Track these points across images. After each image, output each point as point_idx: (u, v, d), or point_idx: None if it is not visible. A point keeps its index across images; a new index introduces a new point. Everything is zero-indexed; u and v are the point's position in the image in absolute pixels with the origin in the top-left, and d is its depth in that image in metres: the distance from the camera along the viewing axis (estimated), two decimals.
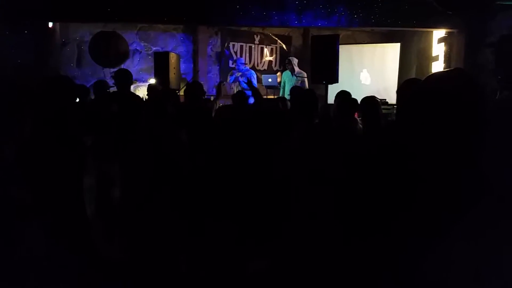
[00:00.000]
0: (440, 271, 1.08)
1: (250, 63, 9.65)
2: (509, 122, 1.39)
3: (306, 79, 7.67)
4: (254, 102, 3.89)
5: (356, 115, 3.81)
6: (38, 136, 2.46)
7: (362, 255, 1.51)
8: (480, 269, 1.03)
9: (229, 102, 6.14)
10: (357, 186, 1.69)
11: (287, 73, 7.91)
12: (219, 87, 5.45)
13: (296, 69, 7.74)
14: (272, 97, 7.52)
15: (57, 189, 2.37)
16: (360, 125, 3.68)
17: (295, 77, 7.65)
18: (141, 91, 7.91)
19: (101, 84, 5.22)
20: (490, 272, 1.03)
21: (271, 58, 9.94)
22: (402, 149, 1.26)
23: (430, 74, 1.18)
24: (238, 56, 9.31)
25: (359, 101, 3.64)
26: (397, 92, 2.46)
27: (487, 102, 1.04)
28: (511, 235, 1.02)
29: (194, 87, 4.50)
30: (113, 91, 4.50)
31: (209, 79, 9.25)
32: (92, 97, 5.01)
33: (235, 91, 7.36)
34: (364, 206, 1.58)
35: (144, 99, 4.09)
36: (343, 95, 3.93)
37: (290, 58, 8.00)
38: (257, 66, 9.74)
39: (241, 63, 8.01)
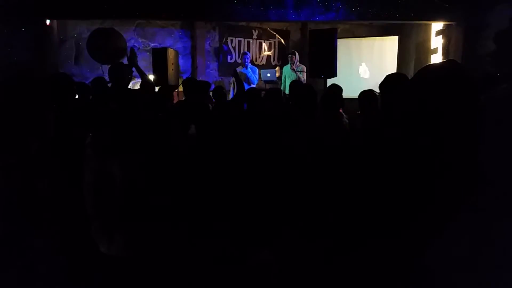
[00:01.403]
0: (439, 265, 1.08)
1: None
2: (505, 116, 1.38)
3: (304, 74, 7.70)
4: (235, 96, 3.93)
5: (341, 110, 3.81)
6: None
7: (359, 253, 1.52)
8: (481, 262, 1.03)
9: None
10: (351, 181, 1.70)
11: (287, 67, 7.93)
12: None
13: (297, 63, 7.78)
14: None
15: (58, 185, 2.39)
16: (346, 120, 3.67)
17: (295, 71, 7.69)
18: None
19: (100, 81, 5.21)
20: (491, 266, 1.03)
21: (269, 53, 9.92)
22: (399, 142, 1.27)
23: (424, 66, 1.19)
24: (237, 51, 9.31)
25: (357, 95, 3.64)
26: (380, 86, 2.44)
27: (479, 92, 1.05)
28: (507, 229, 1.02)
29: (193, 83, 4.50)
30: (111, 88, 4.48)
31: (208, 75, 9.24)
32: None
33: (234, 87, 7.41)
34: (362, 201, 1.58)
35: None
36: (329, 89, 3.96)
37: (294, 51, 8.03)
38: (256, 61, 9.72)
39: (248, 58, 8.04)
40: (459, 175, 1.08)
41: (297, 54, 7.84)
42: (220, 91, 5.26)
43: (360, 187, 1.71)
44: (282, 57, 9.76)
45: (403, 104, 1.17)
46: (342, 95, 3.64)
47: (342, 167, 2.03)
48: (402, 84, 2.15)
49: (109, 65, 4.76)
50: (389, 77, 2.33)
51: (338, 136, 2.88)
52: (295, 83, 5.55)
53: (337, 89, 3.80)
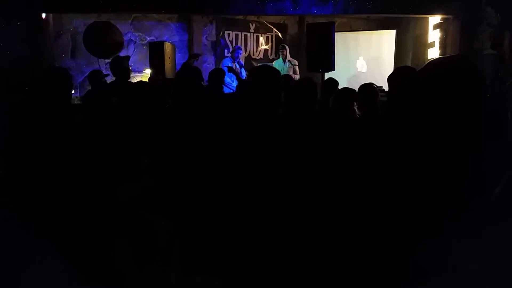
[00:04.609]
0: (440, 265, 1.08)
1: (246, 52, 9.61)
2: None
3: (297, 67, 7.71)
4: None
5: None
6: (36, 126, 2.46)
7: (360, 248, 1.52)
8: (481, 264, 1.03)
9: None
10: (357, 178, 1.69)
11: (278, 61, 7.95)
12: None
13: (288, 57, 7.81)
14: None
15: (56, 181, 2.38)
16: (358, 116, 3.67)
17: (286, 65, 7.69)
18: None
19: (96, 75, 5.20)
20: (492, 269, 1.03)
21: (266, 47, 9.88)
22: (402, 137, 1.26)
23: (431, 60, 1.18)
24: (234, 45, 9.27)
25: (354, 89, 3.64)
26: (388, 79, 2.43)
27: (487, 88, 1.04)
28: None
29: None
30: (111, 82, 4.47)
31: (205, 69, 9.21)
32: (88, 87, 5.02)
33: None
34: (365, 199, 1.58)
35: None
36: (333, 82, 3.98)
37: (285, 45, 8.05)
38: (253, 55, 9.68)
39: (240, 53, 8.05)
40: (459, 175, 1.07)
41: (287, 47, 7.87)
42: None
43: (357, 182, 1.71)
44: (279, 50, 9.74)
45: (406, 98, 1.17)
46: (355, 90, 3.60)
47: (342, 161, 2.03)
48: (410, 78, 2.15)
49: (107, 59, 4.77)
50: (397, 70, 2.33)
51: (353, 129, 2.87)
52: (287, 77, 5.52)
53: (337, 82, 3.80)
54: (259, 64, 8.10)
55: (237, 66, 7.57)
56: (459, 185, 1.08)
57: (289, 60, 7.81)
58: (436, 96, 1.07)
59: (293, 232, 2.24)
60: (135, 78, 8.53)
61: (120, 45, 7.32)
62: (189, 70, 4.37)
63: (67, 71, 3.22)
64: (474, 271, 1.03)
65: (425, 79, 1.13)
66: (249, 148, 1.99)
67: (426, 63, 1.18)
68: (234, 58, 7.76)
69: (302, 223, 2.23)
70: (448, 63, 1.14)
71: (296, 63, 7.81)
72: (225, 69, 6.84)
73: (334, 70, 6.10)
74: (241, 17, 9.32)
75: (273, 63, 8.19)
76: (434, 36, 8.22)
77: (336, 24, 6.72)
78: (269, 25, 9.80)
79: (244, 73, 7.60)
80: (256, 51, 9.76)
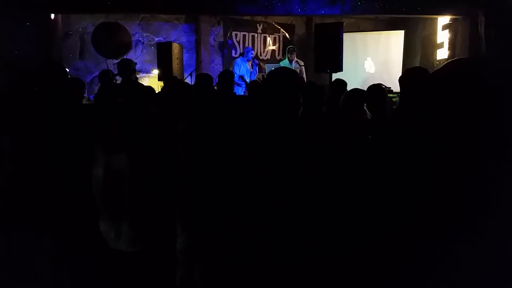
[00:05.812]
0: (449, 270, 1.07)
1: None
2: None
3: (303, 68, 7.70)
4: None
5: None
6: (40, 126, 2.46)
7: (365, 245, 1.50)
8: (487, 269, 1.02)
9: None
10: (368, 177, 1.67)
11: (284, 62, 7.96)
12: None
13: (294, 58, 7.83)
14: None
15: (64, 180, 2.38)
16: (369, 116, 3.66)
17: (293, 66, 7.70)
18: (145, 82, 7.90)
19: (107, 74, 5.21)
20: (495, 272, 1.01)
21: (274, 47, 9.87)
22: (416, 137, 1.24)
23: (450, 60, 1.16)
24: (242, 45, 9.28)
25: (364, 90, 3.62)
26: (400, 80, 2.44)
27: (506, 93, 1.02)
28: None
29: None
30: (119, 83, 4.48)
31: (213, 70, 9.21)
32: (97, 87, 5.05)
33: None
34: (375, 198, 1.56)
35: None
36: (341, 83, 3.98)
37: (293, 47, 8.06)
38: (260, 55, 9.67)
39: (252, 53, 8.09)
40: (471, 176, 1.05)
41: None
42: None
43: (368, 182, 1.69)
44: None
45: (424, 98, 1.15)
46: (365, 92, 3.60)
47: (353, 160, 2.01)
48: (422, 79, 2.13)
49: (115, 60, 4.80)
50: (409, 71, 2.31)
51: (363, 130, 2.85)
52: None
53: (345, 82, 3.79)
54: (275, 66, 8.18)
55: (254, 66, 7.70)
56: (471, 186, 1.06)
57: (296, 61, 7.81)
58: (455, 97, 1.05)
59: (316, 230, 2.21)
60: (143, 79, 8.57)
61: (128, 46, 7.34)
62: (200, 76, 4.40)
63: (62, 65, 3.12)
64: (478, 271, 1.02)
65: (445, 80, 1.10)
66: (278, 148, 1.97)
67: (436, 63, 1.17)
68: (249, 58, 7.82)
69: (323, 220, 2.19)
70: (470, 65, 1.11)
71: (303, 64, 7.81)
72: (237, 71, 6.95)
73: (342, 70, 6.07)
74: (248, 17, 9.31)
75: (279, 63, 8.20)
76: (443, 36, 8.15)
77: (344, 24, 6.69)
78: (276, 26, 9.79)
79: (256, 71, 7.69)
80: (264, 51, 9.76)
